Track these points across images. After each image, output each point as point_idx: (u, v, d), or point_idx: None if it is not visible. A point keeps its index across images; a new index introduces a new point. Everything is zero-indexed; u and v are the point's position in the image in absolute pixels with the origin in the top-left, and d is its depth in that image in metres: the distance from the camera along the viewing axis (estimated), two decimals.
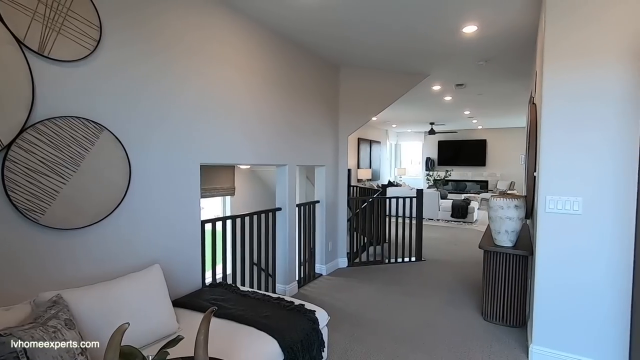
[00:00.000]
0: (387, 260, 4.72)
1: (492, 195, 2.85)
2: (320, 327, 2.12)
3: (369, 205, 4.88)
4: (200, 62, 2.45)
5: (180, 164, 2.33)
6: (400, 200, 4.91)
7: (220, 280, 2.84)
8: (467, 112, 8.08)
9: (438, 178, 10.33)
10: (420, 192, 4.79)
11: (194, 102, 2.42)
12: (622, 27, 2.04)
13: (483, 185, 11.68)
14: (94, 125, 1.82)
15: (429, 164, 12.24)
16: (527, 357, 2.40)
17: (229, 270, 2.99)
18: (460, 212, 7.78)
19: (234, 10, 2.72)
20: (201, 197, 5.17)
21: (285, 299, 2.25)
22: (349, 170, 7.48)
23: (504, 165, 11.29)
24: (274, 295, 2.29)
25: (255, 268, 3.31)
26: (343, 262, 4.52)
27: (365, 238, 5.05)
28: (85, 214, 1.78)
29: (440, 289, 3.73)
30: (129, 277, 1.82)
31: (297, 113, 3.57)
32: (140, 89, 2.06)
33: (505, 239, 2.77)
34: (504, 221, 2.73)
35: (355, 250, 4.81)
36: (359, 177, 9.64)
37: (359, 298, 3.45)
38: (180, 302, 2.15)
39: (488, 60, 4.00)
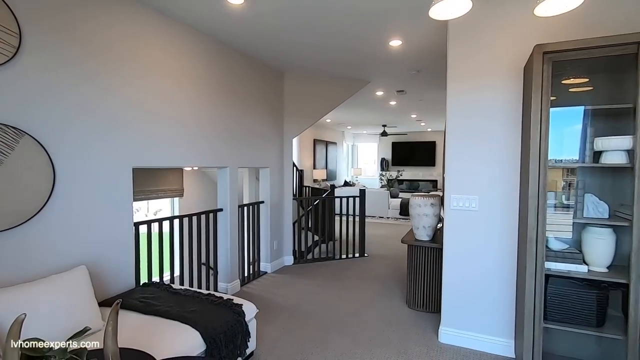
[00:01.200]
0: (332, 257, 4.96)
1: (412, 195, 3.15)
2: (248, 319, 2.28)
3: (319, 204, 5.09)
4: (132, 69, 2.51)
5: (112, 168, 2.38)
6: (345, 200, 5.17)
7: (158, 280, 2.91)
8: (414, 116, 8.57)
9: (391, 178, 10.81)
10: (362, 192, 5.08)
11: (127, 108, 2.48)
12: (505, 53, 2.39)
13: (434, 185, 12.37)
14: (13, 130, 1.85)
15: (384, 165, 12.75)
16: (437, 337, 2.71)
17: (173, 271, 3.06)
18: (408, 210, 8.24)
19: (170, 18, 2.80)
20: (147, 199, 5.13)
21: (215, 294, 2.38)
22: (302, 171, 7.68)
23: None
24: (204, 292, 2.42)
25: (200, 267, 3.40)
26: (289, 260, 4.70)
27: (315, 236, 5.27)
28: (2, 219, 1.81)
29: (375, 281, 4.01)
30: (50, 279, 1.87)
31: (239, 117, 3.69)
32: (66, 95, 2.11)
33: (423, 233, 3.08)
34: (422, 218, 3.04)
35: (304, 248, 5.00)
36: (314, 178, 9.87)
37: (298, 293, 3.64)
38: (109, 302, 2.21)
39: (419, 70, 4.35)
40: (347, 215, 5.10)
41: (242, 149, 3.77)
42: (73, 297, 1.88)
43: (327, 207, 5.19)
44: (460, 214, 2.58)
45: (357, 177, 12.65)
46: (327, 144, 10.82)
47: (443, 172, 2.90)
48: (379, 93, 5.79)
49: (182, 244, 3.20)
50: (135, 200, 5.00)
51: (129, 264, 2.53)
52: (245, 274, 4.08)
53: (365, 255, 5.12)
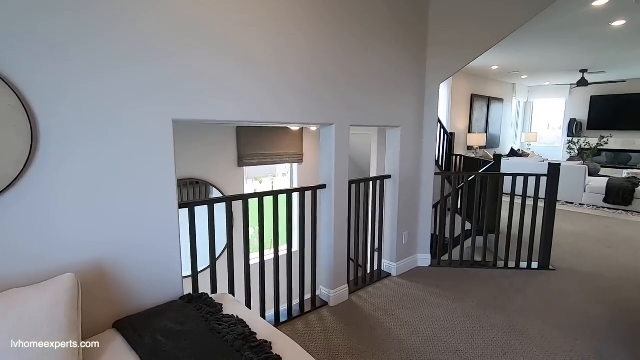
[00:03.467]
0: (492, 263, 3.33)
1: None
2: None
3: (476, 181, 3.48)
4: None
5: (138, 119, 1.55)
6: (522, 179, 3.34)
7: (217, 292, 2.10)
8: None
9: (586, 147, 7.66)
10: (554, 168, 3.15)
11: (162, 28, 1.57)
12: None
13: None
14: None
15: (574, 128, 9.28)
16: None
17: (249, 275, 2.22)
18: (622, 196, 5.44)
19: None
20: (260, 164, 4.54)
21: (257, 338, 1.35)
22: (452, 135, 5.90)
23: None
24: (248, 331, 1.41)
25: (291, 269, 2.48)
26: (425, 259, 3.34)
27: (467, 223, 3.70)
28: None
29: (576, 328, 2.28)
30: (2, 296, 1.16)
31: (353, 49, 2.43)
32: (56, 5, 1.30)
33: None
34: None
35: (449, 239, 3.54)
36: (468, 144, 7.80)
37: (428, 322, 2.31)
38: (123, 325, 1.46)
39: None
40: (511, 196, 3.29)
41: (358, 98, 2.53)
42: (27, 329, 1.13)
43: (488, 185, 3.49)
44: None
45: (529, 145, 9.68)
46: (489, 100, 8.39)
47: None
48: (598, 3, 3.46)
49: (262, 233, 2.29)
50: (246, 165, 4.50)
51: (171, 264, 1.74)
52: (360, 275, 2.98)
53: (551, 268, 3.27)
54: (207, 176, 4.01)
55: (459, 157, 5.68)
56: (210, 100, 1.77)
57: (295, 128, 4.49)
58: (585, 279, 3.06)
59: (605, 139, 8.00)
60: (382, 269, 3.17)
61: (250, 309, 2.21)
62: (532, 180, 3.20)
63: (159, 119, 1.61)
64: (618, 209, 5.55)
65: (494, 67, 7.01)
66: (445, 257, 3.54)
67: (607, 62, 6.41)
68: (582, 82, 7.17)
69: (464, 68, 3.19)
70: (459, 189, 3.55)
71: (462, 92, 7.59)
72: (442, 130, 5.79)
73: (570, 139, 9.04)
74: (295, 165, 4.92)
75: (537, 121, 10.38)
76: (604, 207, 5.68)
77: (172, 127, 1.66)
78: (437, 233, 3.44)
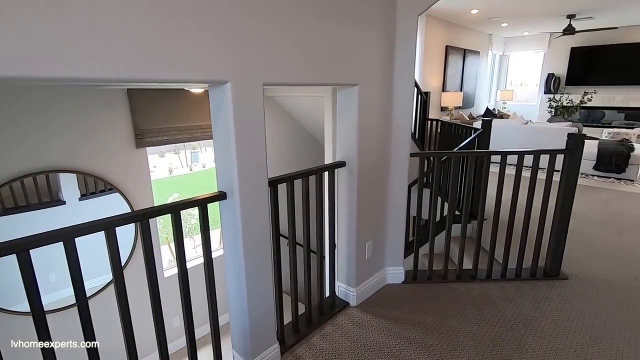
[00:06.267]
0: (486, 273, 2.46)
1: None
2: None
3: (454, 156, 2.51)
4: None
5: None
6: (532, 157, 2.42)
7: None
8: None
9: (569, 104, 6.95)
10: (577, 142, 2.23)
11: None
12: None
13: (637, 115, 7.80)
14: None
15: (552, 84, 8.54)
16: None
17: None
18: (615, 162, 4.75)
19: None
20: (167, 143, 3.26)
21: None
22: (427, 95, 4.88)
23: None
24: None
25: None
26: (396, 275, 2.41)
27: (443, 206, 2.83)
28: None
29: None
30: None
31: None
32: None
33: None
34: None
35: (429, 228, 2.63)
36: (442, 105, 6.86)
37: None
38: None
39: None
40: (516, 179, 2.38)
41: (277, 35, 1.39)
42: None
43: (473, 161, 2.56)
44: None
45: (504, 103, 8.91)
46: (464, 53, 7.37)
47: None
48: None
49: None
50: (149, 144, 3.20)
51: None
52: (298, 313, 2.00)
53: (562, 276, 2.44)
54: (88, 165, 2.78)
55: (434, 123, 4.71)
56: None
57: (197, 90, 3.25)
58: (609, 291, 2.25)
59: (589, 95, 7.30)
60: (338, 294, 2.21)
61: None
62: (557, 160, 2.29)
63: None
64: (609, 177, 4.89)
65: (474, 12, 5.91)
66: (426, 250, 2.68)
67: (596, 5, 5.49)
68: (569, 30, 6.27)
69: (439, 13, 2.11)
70: (436, 167, 2.59)
71: (436, 42, 6.50)
72: (416, 89, 4.75)
73: (549, 96, 8.31)
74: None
75: (512, 77, 9.58)
76: (593, 176, 4.99)
77: None
78: (414, 218, 2.51)
